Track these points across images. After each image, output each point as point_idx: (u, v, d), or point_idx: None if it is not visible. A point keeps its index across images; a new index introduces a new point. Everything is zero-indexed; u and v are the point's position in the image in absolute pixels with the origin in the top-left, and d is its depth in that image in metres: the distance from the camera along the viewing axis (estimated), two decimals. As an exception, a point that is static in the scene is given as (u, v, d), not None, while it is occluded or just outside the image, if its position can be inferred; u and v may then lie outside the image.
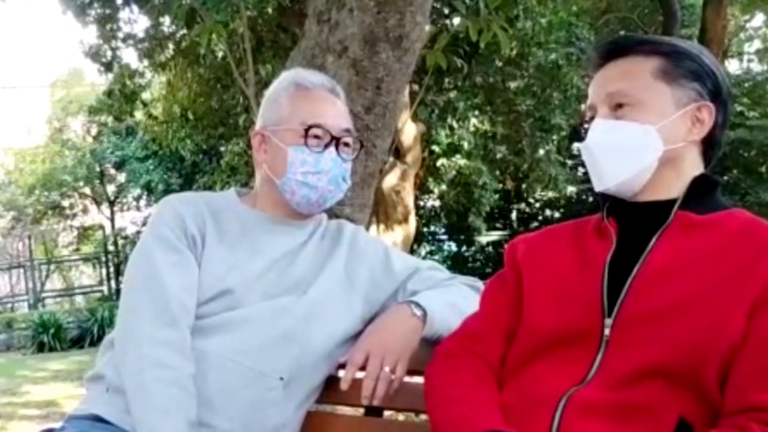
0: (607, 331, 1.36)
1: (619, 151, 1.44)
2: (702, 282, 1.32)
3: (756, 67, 18.25)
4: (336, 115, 1.82)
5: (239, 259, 1.74)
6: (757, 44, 19.13)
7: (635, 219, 1.46)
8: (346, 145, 1.83)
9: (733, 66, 18.10)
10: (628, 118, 1.44)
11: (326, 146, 1.78)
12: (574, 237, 1.55)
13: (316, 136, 1.77)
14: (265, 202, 1.84)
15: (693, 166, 1.47)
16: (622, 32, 12.93)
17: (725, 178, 13.09)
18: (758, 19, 18.38)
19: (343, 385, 1.68)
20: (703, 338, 1.27)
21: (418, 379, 1.63)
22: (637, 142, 1.43)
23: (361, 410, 1.83)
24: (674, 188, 1.44)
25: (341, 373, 1.73)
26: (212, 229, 1.75)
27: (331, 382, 1.80)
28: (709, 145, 1.48)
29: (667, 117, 1.43)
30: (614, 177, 1.46)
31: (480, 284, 1.90)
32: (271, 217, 1.82)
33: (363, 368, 1.67)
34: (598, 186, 1.49)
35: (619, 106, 1.46)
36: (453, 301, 1.79)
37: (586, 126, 1.54)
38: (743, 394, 1.23)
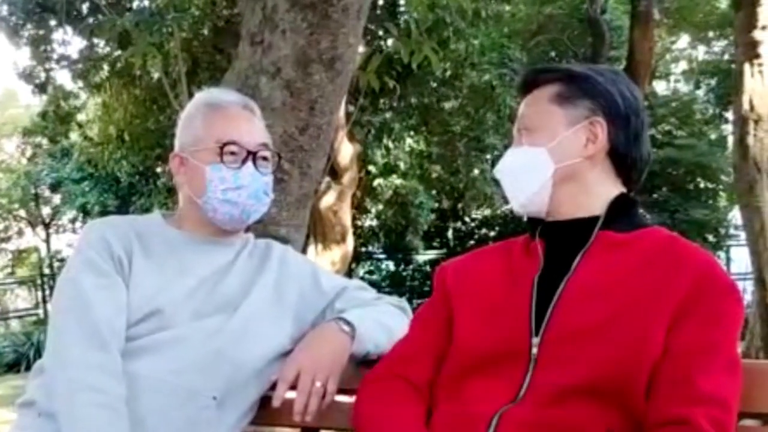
0: (534, 350, 1.40)
1: (516, 173, 1.56)
2: (623, 299, 1.37)
3: (683, 87, 18.73)
4: (251, 130, 1.83)
5: (167, 279, 1.73)
6: (683, 65, 19.67)
7: (560, 238, 1.51)
8: (264, 159, 1.84)
9: (660, 87, 18.53)
10: (528, 143, 1.54)
11: (243, 162, 1.79)
12: (503, 257, 1.60)
13: (232, 153, 1.78)
14: (190, 222, 1.84)
15: (603, 182, 1.52)
16: (552, 53, 13.14)
17: (654, 195, 13.31)
18: (683, 40, 18.93)
19: (275, 402, 1.69)
20: (625, 355, 1.31)
21: (351, 398, 1.66)
22: (529, 163, 1.53)
23: (298, 430, 1.85)
24: (588, 205, 1.50)
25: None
26: (139, 251, 1.74)
27: (266, 402, 1.80)
28: (618, 161, 1.53)
29: (558, 136, 1.50)
30: (516, 197, 1.56)
31: (406, 305, 1.95)
32: (197, 237, 1.82)
33: (294, 386, 1.69)
34: (514, 208, 1.59)
35: (524, 133, 1.56)
36: (380, 318, 1.81)
37: None
38: (663, 407, 1.28)
